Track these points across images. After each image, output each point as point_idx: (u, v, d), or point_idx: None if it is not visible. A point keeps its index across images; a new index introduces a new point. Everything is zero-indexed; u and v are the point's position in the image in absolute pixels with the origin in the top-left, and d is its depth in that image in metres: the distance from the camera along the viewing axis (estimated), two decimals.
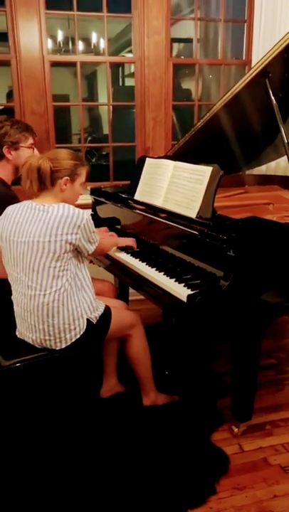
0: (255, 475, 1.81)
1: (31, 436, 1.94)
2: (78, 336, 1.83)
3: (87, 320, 1.86)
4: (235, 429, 2.02)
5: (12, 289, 1.88)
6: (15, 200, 1.94)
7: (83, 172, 1.91)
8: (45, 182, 1.80)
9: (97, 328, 1.90)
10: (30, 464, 1.82)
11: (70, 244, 1.74)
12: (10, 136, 2.13)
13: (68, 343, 1.82)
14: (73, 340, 1.83)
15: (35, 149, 2.25)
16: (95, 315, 1.89)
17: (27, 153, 2.18)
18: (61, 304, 1.78)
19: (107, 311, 1.95)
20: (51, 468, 1.80)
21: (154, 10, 3.17)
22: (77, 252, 1.82)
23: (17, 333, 1.92)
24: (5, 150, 2.13)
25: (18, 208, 1.83)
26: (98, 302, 1.95)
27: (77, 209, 1.77)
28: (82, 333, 1.84)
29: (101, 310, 1.92)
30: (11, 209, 1.85)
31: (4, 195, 2.05)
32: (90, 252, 1.86)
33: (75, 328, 1.82)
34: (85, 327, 1.85)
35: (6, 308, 1.93)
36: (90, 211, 2.84)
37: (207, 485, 1.73)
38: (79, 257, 1.85)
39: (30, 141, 2.22)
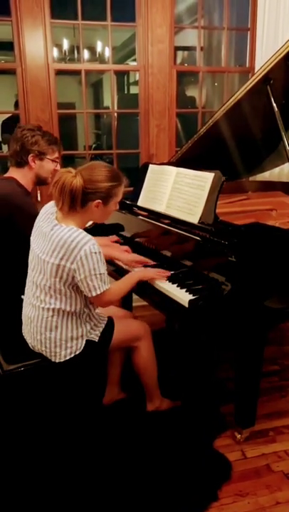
0: (257, 482, 1.80)
1: (32, 441, 1.94)
2: (73, 355, 1.79)
3: (87, 340, 1.82)
4: (238, 436, 2.01)
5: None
6: (37, 210, 1.93)
7: (119, 191, 1.80)
8: (75, 204, 1.69)
9: (98, 347, 1.85)
10: (30, 469, 1.82)
11: (64, 271, 1.65)
12: (39, 146, 2.14)
13: (62, 360, 1.79)
14: (68, 358, 1.79)
15: (58, 164, 2.26)
16: (96, 333, 1.85)
17: (50, 166, 2.20)
18: (60, 320, 1.75)
19: (110, 326, 1.89)
20: (51, 474, 1.80)
21: (158, 19, 3.21)
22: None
23: (23, 332, 1.91)
24: (30, 158, 2.14)
25: (46, 212, 1.80)
26: (101, 317, 1.90)
27: (82, 236, 1.63)
28: (78, 352, 1.80)
29: (102, 326, 1.87)
30: (42, 210, 1.82)
31: (33, 208, 2.06)
32: (89, 296, 1.70)
33: (71, 347, 1.78)
34: (82, 346, 1.80)
35: (15, 308, 1.94)
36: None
37: (209, 491, 1.73)
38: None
39: (56, 155, 2.23)
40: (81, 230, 1.68)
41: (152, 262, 2.13)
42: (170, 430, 2.04)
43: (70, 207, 1.70)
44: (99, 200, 1.73)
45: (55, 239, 1.65)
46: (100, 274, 1.67)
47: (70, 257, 1.63)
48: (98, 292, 1.68)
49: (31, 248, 1.81)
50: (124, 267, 2.16)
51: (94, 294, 1.69)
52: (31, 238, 1.82)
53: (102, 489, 1.72)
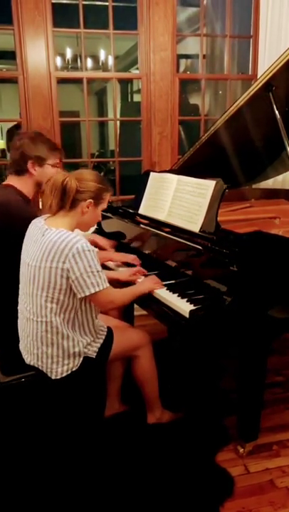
0: (261, 498, 1.74)
1: (30, 454, 1.90)
2: (70, 372, 1.74)
3: (85, 357, 1.77)
4: (241, 450, 1.96)
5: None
6: (36, 217, 1.90)
7: (107, 197, 1.82)
8: (66, 202, 1.69)
9: (95, 362, 1.81)
10: (30, 481, 1.78)
11: (57, 274, 1.61)
12: (38, 152, 2.10)
13: (58, 377, 1.73)
14: (64, 375, 1.73)
15: (59, 169, 2.22)
16: (94, 349, 1.80)
17: (51, 172, 2.14)
18: (55, 336, 1.69)
19: (109, 340, 1.84)
20: (51, 487, 1.76)
21: (160, 27, 3.21)
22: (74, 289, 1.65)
23: (20, 346, 1.87)
24: (30, 164, 2.11)
25: (34, 224, 1.78)
26: (100, 328, 1.84)
27: (72, 236, 1.62)
28: (75, 369, 1.74)
29: (101, 341, 1.82)
30: (31, 223, 1.81)
31: (27, 214, 2.03)
32: (85, 295, 1.63)
33: (68, 364, 1.73)
34: (79, 364, 1.75)
35: (13, 319, 1.91)
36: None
37: (211, 508, 1.68)
38: (83, 299, 1.70)
39: (57, 160, 2.19)
40: (71, 232, 1.66)
41: (145, 271, 2.08)
42: (171, 443, 1.99)
43: (60, 205, 1.71)
44: (90, 200, 1.74)
45: (46, 243, 1.63)
46: (98, 271, 1.63)
47: (62, 256, 1.59)
48: (99, 289, 1.64)
49: (22, 260, 1.78)
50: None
51: (93, 291, 1.63)
52: (22, 251, 1.79)
53: (102, 504, 1.68)
